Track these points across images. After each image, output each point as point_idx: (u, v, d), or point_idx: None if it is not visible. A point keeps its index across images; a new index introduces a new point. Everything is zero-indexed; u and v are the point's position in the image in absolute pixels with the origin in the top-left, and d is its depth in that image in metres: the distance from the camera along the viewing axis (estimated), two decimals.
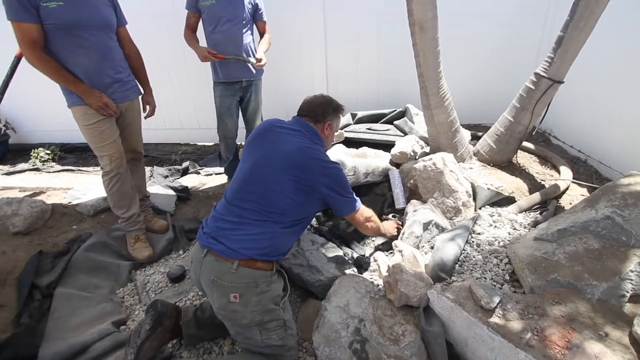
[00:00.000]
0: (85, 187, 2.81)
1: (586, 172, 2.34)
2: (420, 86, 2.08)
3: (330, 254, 1.78)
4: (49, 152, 3.62)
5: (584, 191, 2.04)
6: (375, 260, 1.70)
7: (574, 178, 2.13)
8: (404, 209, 1.95)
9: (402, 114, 2.92)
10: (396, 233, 1.78)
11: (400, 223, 1.84)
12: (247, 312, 1.21)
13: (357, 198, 1.46)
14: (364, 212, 1.49)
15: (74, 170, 3.36)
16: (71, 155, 3.77)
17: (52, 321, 1.57)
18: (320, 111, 1.46)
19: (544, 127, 3.00)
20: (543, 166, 2.39)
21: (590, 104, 2.50)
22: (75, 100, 1.77)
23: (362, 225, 1.52)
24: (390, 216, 1.96)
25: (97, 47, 1.77)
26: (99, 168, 3.38)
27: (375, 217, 1.57)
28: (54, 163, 3.56)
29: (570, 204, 1.89)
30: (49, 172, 3.33)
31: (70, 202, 2.59)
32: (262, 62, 2.41)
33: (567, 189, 2.02)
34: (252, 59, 2.40)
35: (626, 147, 2.16)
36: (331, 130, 1.51)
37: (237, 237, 1.24)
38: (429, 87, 2.03)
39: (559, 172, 2.24)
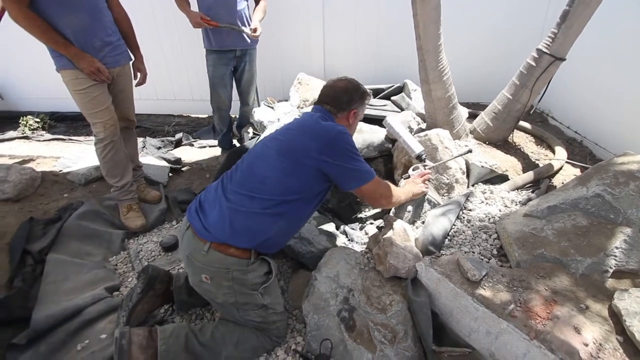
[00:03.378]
0: (76, 155, 2.77)
1: (581, 152, 2.34)
2: (419, 59, 2.03)
3: (322, 227, 1.80)
4: (38, 120, 3.53)
5: (577, 171, 2.04)
6: (366, 234, 1.72)
7: (568, 158, 2.13)
8: (421, 154, 1.66)
9: (400, 90, 2.87)
10: (426, 188, 1.55)
11: (425, 171, 1.60)
12: (219, 294, 1.18)
13: (371, 169, 1.23)
14: (376, 185, 1.25)
15: (64, 139, 3.29)
16: (61, 124, 3.69)
17: (44, 285, 1.58)
18: (346, 98, 1.30)
19: (542, 107, 2.97)
20: (538, 146, 2.38)
21: (590, 85, 2.46)
22: (64, 63, 1.71)
23: (373, 200, 1.33)
24: (410, 171, 1.65)
25: (86, 7, 1.69)
26: (90, 137, 3.34)
27: (391, 189, 1.35)
28: (44, 132, 3.48)
29: (562, 183, 1.90)
30: (38, 140, 3.26)
31: (61, 171, 2.56)
32: (258, 33, 2.32)
33: (560, 168, 2.03)
34: (247, 29, 2.30)
35: (622, 129, 2.15)
36: (356, 119, 1.36)
37: (213, 215, 1.15)
38: (427, 61, 1.98)
39: (554, 152, 2.24)
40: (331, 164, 1.14)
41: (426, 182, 1.57)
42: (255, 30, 2.28)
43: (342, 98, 1.30)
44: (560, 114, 2.78)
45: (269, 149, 1.20)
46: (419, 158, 1.68)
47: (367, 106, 2.65)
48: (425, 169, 1.61)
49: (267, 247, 1.19)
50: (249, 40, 2.35)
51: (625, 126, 2.13)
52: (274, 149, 1.19)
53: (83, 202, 2.16)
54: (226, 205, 1.15)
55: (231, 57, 2.36)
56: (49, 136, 3.34)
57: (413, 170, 1.64)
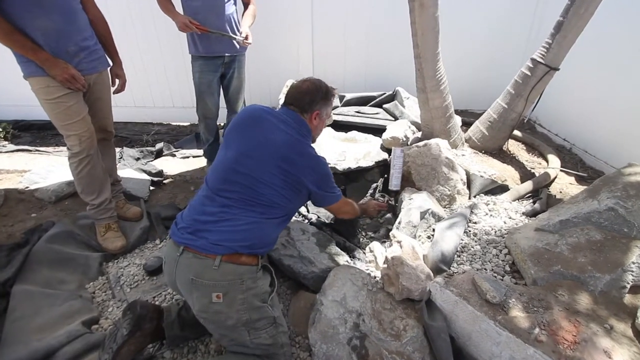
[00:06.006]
0: (44, 169, 2.52)
1: (571, 160, 2.38)
2: (416, 68, 1.99)
3: (323, 244, 1.69)
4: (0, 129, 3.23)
5: (572, 179, 2.06)
6: (371, 251, 1.63)
7: (560, 166, 2.15)
8: (396, 192, 1.94)
9: (392, 98, 2.83)
10: (377, 214, 1.80)
11: (385, 206, 1.82)
12: (232, 312, 1.11)
13: (339, 190, 1.42)
14: (343, 202, 1.47)
15: (30, 151, 3.01)
16: (27, 133, 3.38)
17: (10, 323, 1.38)
18: (308, 100, 1.33)
19: (529, 114, 3.02)
20: (530, 154, 2.40)
21: (577, 93, 2.51)
22: (33, 69, 1.53)
23: (339, 213, 1.56)
24: (378, 196, 1.91)
25: (59, 8, 1.52)
26: (60, 148, 3.08)
27: (353, 204, 1.58)
28: (6, 142, 3.18)
29: (561, 192, 1.91)
30: (0, 152, 2.97)
31: (27, 187, 2.31)
32: (250, 40, 2.21)
33: (556, 177, 2.04)
34: (238, 37, 2.18)
35: (611, 136, 2.20)
36: (320, 119, 1.39)
37: (221, 229, 1.14)
38: (425, 70, 1.94)
39: (546, 160, 2.25)
40: (318, 193, 1.32)
41: (379, 212, 1.83)
42: (247, 37, 2.17)
43: (304, 99, 1.33)
44: (548, 121, 2.83)
45: (271, 174, 1.19)
46: (389, 192, 1.96)
47: (360, 114, 2.65)
48: (386, 202, 1.86)
49: (266, 248, 1.27)
50: (237, 46, 2.23)
51: (614, 133, 2.18)
52: (279, 177, 1.20)
53: (54, 222, 1.94)
54: (237, 218, 1.17)
55: (219, 63, 2.22)
56: (13, 147, 3.04)
57: (381, 196, 1.92)
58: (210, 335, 1.41)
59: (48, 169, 2.52)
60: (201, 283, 1.09)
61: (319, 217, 1.98)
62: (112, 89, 1.91)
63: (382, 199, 1.88)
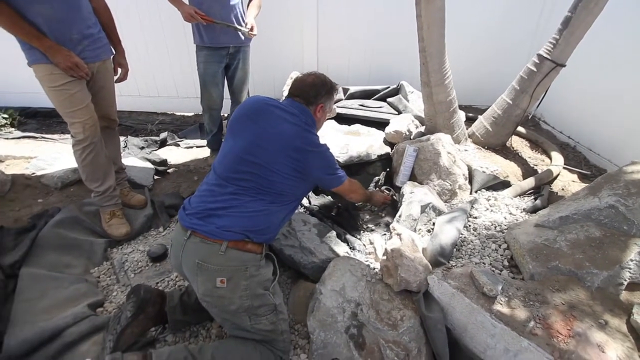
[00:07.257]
0: (50, 156, 2.56)
1: (575, 158, 2.36)
2: (421, 62, 1.98)
3: (323, 235, 1.71)
4: (6, 116, 3.25)
5: (575, 177, 2.05)
6: (371, 243, 1.65)
7: (564, 164, 2.14)
8: (399, 187, 1.93)
9: (396, 91, 2.83)
10: (381, 206, 1.85)
11: (389, 198, 1.85)
12: (235, 298, 1.14)
13: (343, 171, 1.47)
14: (349, 183, 1.52)
15: (36, 138, 3.04)
16: (33, 120, 3.41)
17: (18, 304, 1.42)
18: (313, 93, 1.38)
19: (534, 111, 3.00)
20: (534, 150, 2.39)
21: (583, 90, 2.49)
22: (37, 57, 1.54)
23: (348, 195, 1.58)
24: (384, 188, 1.95)
25: None
26: (65, 135, 3.11)
27: (360, 186, 1.63)
28: (13, 129, 3.21)
29: (563, 189, 1.91)
30: (7, 138, 3.00)
31: (33, 173, 2.35)
32: (255, 31, 2.20)
33: (558, 174, 2.03)
34: (244, 28, 2.17)
35: (616, 135, 2.18)
36: (323, 112, 1.44)
37: (229, 215, 1.17)
38: (430, 64, 1.93)
39: (549, 157, 2.25)
40: (325, 178, 1.39)
41: (384, 204, 1.88)
42: (252, 28, 2.16)
43: (310, 92, 1.38)
44: (553, 118, 2.81)
45: (282, 164, 1.23)
46: (395, 186, 1.97)
47: (364, 108, 2.64)
48: (391, 196, 1.89)
49: (272, 235, 1.30)
50: (242, 37, 2.22)
51: (620, 132, 2.16)
52: (289, 166, 1.24)
53: (60, 208, 1.98)
54: (246, 205, 1.20)
55: (224, 54, 2.22)
56: (19, 134, 3.08)
57: (386, 189, 1.95)
58: (212, 320, 1.45)
59: (54, 155, 2.55)
60: (206, 267, 1.12)
61: (320, 208, 2.00)
62: (115, 78, 1.92)
63: (387, 191, 1.89)
